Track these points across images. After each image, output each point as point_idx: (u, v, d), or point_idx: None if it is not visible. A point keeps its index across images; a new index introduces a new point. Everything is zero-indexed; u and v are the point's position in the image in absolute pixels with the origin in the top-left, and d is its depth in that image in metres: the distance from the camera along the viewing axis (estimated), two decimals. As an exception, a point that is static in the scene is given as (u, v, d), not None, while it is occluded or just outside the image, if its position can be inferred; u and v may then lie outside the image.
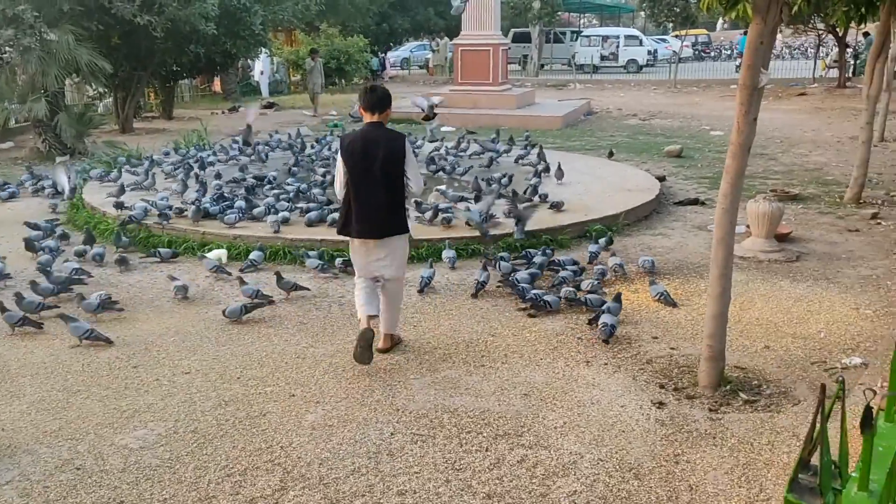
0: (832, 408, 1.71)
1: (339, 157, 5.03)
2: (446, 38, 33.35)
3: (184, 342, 5.54)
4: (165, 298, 6.44)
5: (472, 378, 4.91)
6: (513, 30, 37.30)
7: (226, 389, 4.78)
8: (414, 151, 5.33)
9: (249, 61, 27.27)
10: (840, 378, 1.75)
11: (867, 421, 1.60)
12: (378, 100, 4.97)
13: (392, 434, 4.22)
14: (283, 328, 5.80)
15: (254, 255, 7.20)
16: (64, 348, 5.46)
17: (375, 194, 4.92)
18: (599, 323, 5.53)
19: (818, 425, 1.64)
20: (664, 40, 39.73)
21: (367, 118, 5.00)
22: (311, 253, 7.15)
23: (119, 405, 4.60)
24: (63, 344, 5.54)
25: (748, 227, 7.75)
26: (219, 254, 7.31)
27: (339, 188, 5.07)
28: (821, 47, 29.29)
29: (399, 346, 5.40)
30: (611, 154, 12.06)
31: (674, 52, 34.47)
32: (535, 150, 11.36)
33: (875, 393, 1.69)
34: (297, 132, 13.84)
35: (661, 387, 4.75)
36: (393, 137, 4.98)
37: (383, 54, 37.47)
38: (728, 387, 4.66)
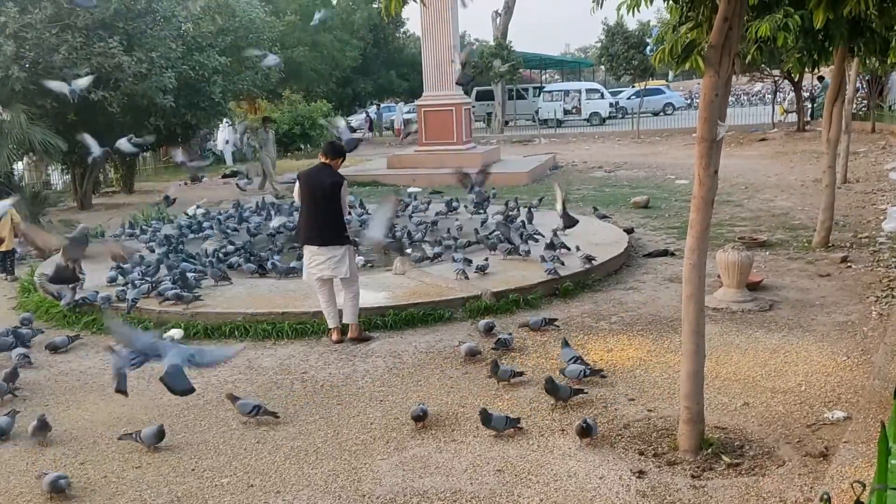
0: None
1: (297, 182, 6.94)
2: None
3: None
4: (118, 385, 6.15)
5: (442, 455, 4.68)
6: (476, 88, 37.87)
7: (179, 483, 4.50)
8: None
9: (215, 130, 27.18)
10: (825, 496, 1.58)
11: (858, 519, 1.45)
12: (331, 149, 6.93)
13: (357, 524, 3.96)
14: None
15: None
16: (6, 449, 5.13)
17: (318, 212, 6.69)
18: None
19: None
20: (660, 89, 41.04)
21: (322, 160, 6.84)
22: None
23: (62, 509, 4.30)
24: (2, 448, 5.19)
25: (719, 277, 7.68)
26: (174, 333, 7.05)
27: (296, 199, 7.05)
28: (778, 93, 30.04)
29: (370, 344, 6.72)
30: (595, 210, 11.97)
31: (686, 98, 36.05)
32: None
33: (864, 486, 1.54)
34: (262, 201, 13.68)
35: (641, 453, 4.56)
36: (334, 174, 6.74)
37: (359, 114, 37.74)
38: (710, 449, 4.48)
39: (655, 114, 37.20)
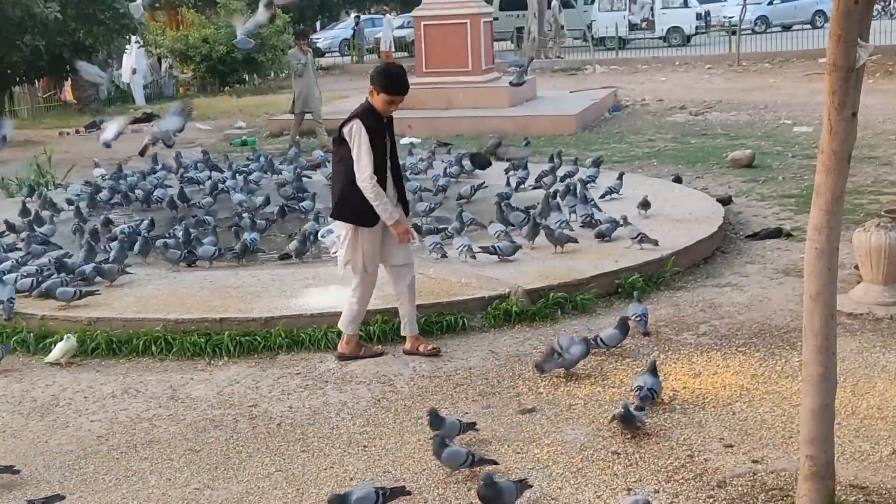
0: None
1: None
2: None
3: (16, 484, 5.32)
4: (-14, 422, 6.25)
5: (453, 524, 4.75)
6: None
7: (75, 563, 4.58)
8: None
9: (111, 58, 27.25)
10: None
11: None
12: (373, 73, 6.73)
13: None
14: (163, 458, 5.62)
15: None
16: None
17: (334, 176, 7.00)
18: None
19: None
20: None
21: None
22: None
23: None
24: None
25: (857, 268, 7.70)
26: (65, 348, 7.13)
27: None
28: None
29: (348, 366, 6.85)
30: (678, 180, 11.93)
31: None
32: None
33: None
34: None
35: (742, 523, 4.62)
36: (353, 114, 6.59)
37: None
38: (843, 519, 4.54)
39: (786, 28, 36.97)
